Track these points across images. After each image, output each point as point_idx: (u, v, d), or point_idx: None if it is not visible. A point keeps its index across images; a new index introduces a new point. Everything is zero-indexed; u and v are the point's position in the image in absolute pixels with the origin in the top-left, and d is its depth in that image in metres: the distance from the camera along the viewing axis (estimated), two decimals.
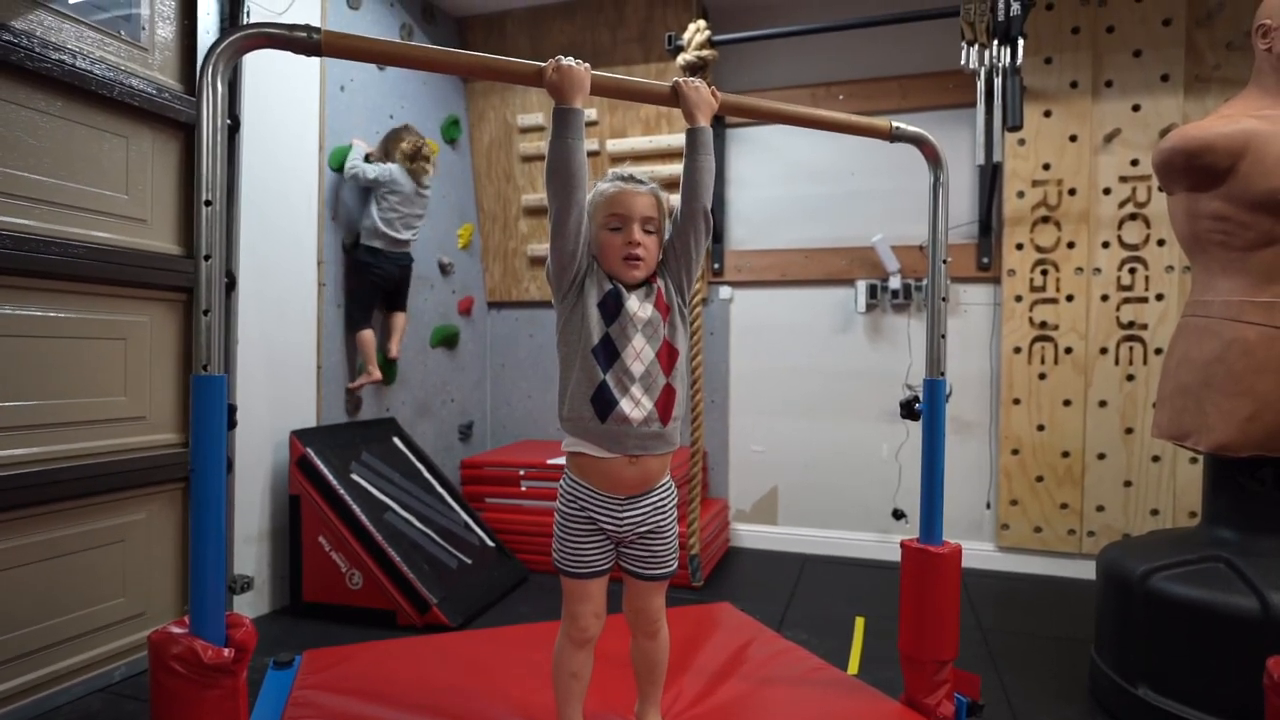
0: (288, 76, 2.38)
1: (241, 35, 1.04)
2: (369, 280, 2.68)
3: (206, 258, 1.03)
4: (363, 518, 2.30)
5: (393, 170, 2.64)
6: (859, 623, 2.31)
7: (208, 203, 1.03)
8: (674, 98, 1.32)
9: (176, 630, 1.03)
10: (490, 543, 2.74)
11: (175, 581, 2.07)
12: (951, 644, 1.47)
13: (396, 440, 2.80)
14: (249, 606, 2.27)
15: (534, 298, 3.50)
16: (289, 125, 2.40)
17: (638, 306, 1.25)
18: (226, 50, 1.03)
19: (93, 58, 1.80)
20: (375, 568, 2.26)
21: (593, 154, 3.24)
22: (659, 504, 1.31)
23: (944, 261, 1.52)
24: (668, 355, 1.27)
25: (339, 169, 2.63)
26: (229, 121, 2.08)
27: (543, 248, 3.39)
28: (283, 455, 2.39)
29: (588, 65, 1.24)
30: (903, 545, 1.54)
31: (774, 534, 3.17)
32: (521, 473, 2.90)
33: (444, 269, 3.23)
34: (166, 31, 2.02)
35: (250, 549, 2.30)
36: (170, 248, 2.04)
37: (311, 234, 2.52)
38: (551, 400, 3.49)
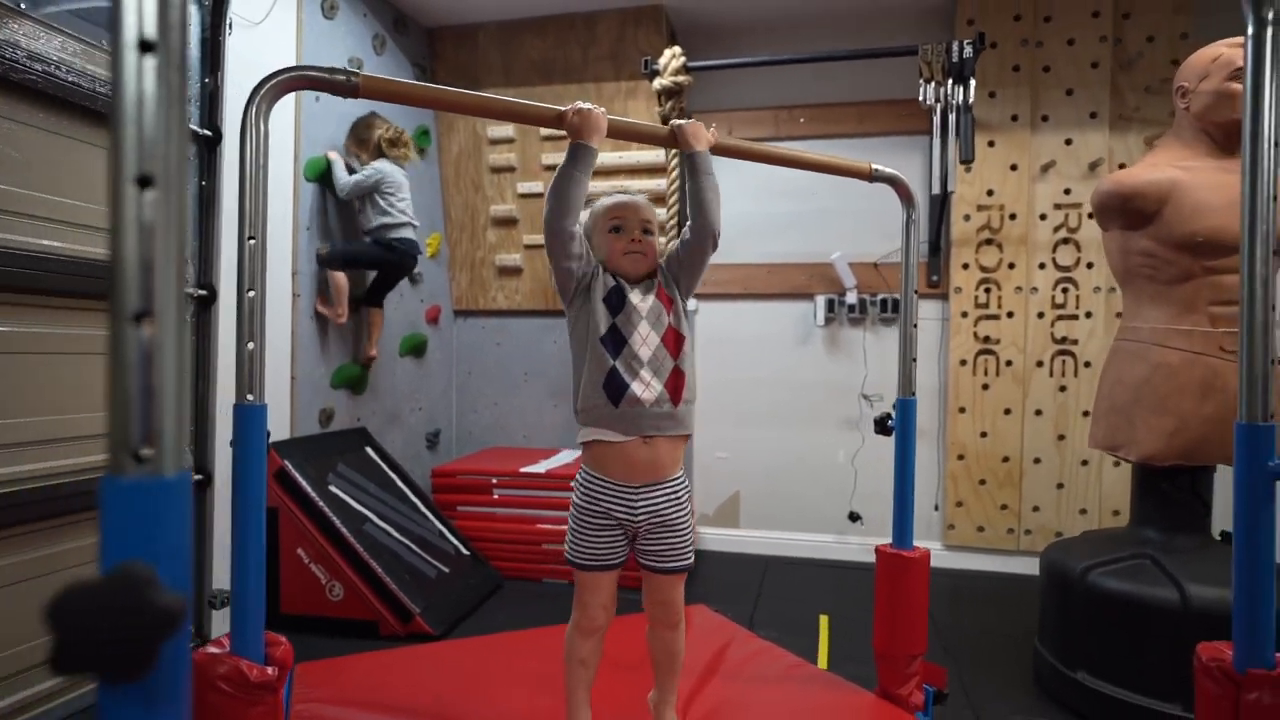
0: None
1: (284, 78, 1.08)
2: (389, 266, 2.75)
3: (250, 290, 1.07)
4: (343, 530, 2.31)
5: (382, 167, 2.66)
6: (823, 621, 2.46)
7: (250, 238, 1.07)
8: (672, 138, 1.42)
9: (219, 650, 1.07)
10: (465, 551, 2.78)
11: None
12: (921, 639, 1.62)
13: (369, 450, 2.81)
14: (226, 621, 2.25)
15: (500, 307, 3.54)
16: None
17: (640, 299, 1.34)
18: (269, 92, 1.07)
19: (75, 68, 1.77)
20: (357, 579, 2.28)
21: None
22: (673, 494, 1.36)
23: (915, 292, 1.66)
24: (674, 340, 1.35)
25: (315, 180, 2.62)
26: (208, 133, 2.09)
27: (510, 258, 3.44)
28: None
29: (604, 110, 1.33)
30: (877, 550, 1.68)
31: (737, 537, 3.31)
32: (494, 481, 2.95)
33: (413, 278, 3.24)
34: None
35: (225, 563, 2.28)
36: None
37: (287, 245, 2.51)
38: (518, 406, 3.56)
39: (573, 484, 1.39)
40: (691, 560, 1.40)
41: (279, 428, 2.49)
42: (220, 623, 2.21)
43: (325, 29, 2.68)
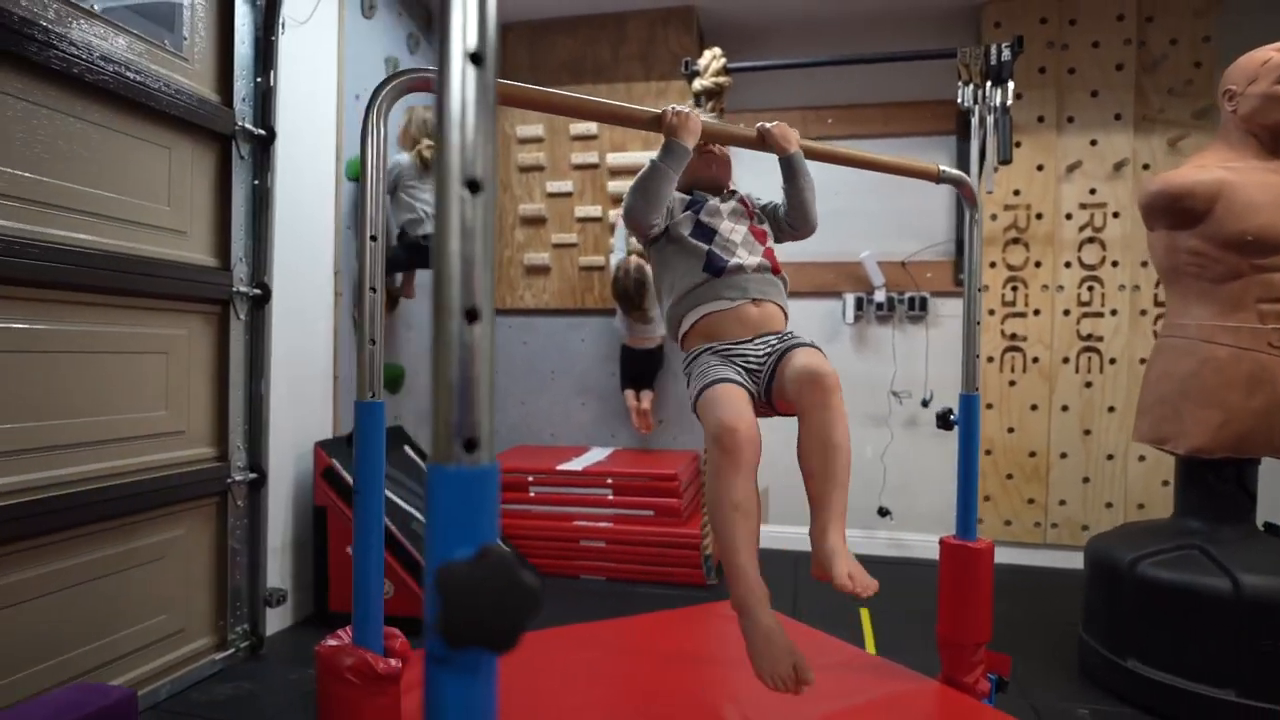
0: (309, 86, 2.37)
1: (406, 79, 1.10)
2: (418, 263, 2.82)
3: (373, 289, 1.08)
4: (393, 528, 2.32)
5: (400, 160, 2.67)
6: (864, 614, 2.50)
7: (373, 238, 1.09)
8: (761, 140, 1.45)
9: (342, 643, 1.09)
10: (505, 548, 2.80)
11: (211, 596, 2.05)
12: (987, 628, 1.66)
13: (407, 449, 2.82)
14: (276, 618, 2.27)
15: (528, 305, 3.55)
16: (309, 135, 2.40)
17: (719, 204, 1.39)
18: (390, 93, 1.09)
19: (141, 68, 1.77)
20: (408, 577, 2.30)
21: (592, 167, 3.33)
22: (785, 333, 1.34)
23: (979, 289, 1.69)
24: (760, 234, 1.40)
25: (355, 179, 2.63)
26: (262, 133, 2.10)
27: (538, 257, 3.45)
28: (305, 466, 2.39)
29: (699, 112, 1.36)
30: (942, 542, 1.71)
31: (767, 532, 3.34)
32: (530, 479, 2.97)
33: None
34: (204, 42, 2.00)
35: (274, 561, 2.29)
36: (208, 260, 2.02)
37: (329, 244, 2.52)
38: (544, 405, 3.58)
39: (684, 369, 1.36)
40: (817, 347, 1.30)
41: (322, 427, 2.50)
42: (272, 621, 2.22)
43: (364, 28, 2.69)
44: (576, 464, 2.98)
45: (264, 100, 2.12)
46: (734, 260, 1.33)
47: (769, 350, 1.30)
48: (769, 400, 1.29)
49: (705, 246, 1.34)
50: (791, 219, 1.46)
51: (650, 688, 1.64)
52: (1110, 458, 3.00)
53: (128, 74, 1.72)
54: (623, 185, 3.29)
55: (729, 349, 1.31)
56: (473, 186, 0.44)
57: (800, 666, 1.08)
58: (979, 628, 1.65)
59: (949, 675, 1.68)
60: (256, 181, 2.13)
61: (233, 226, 2.06)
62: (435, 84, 0.46)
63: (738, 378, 1.26)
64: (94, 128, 1.70)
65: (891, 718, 1.56)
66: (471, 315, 0.44)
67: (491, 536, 0.46)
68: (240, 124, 2.05)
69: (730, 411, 1.14)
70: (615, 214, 3.30)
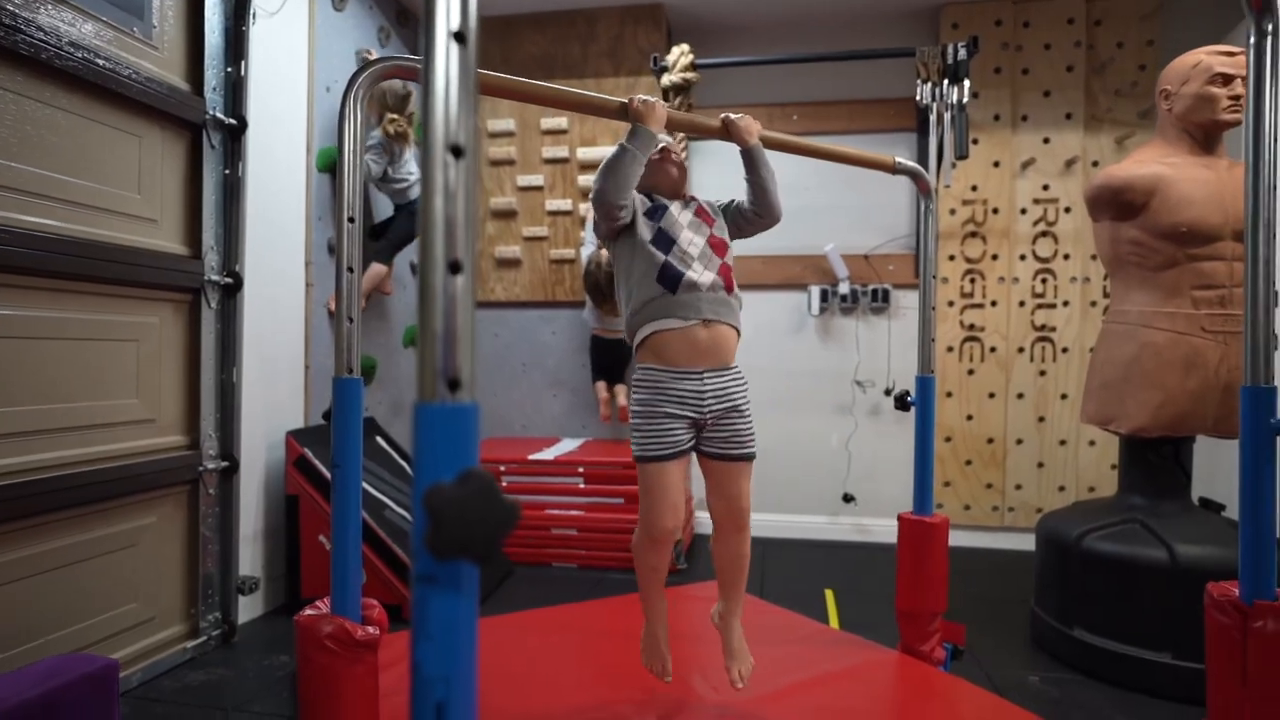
0: (280, 77, 2.38)
1: (381, 66, 1.14)
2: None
3: (350, 270, 1.12)
4: (365, 515, 2.34)
5: (376, 134, 2.68)
6: (829, 594, 2.59)
7: (351, 220, 1.12)
8: (724, 130, 1.51)
9: (321, 612, 1.12)
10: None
11: (183, 584, 2.05)
12: (942, 598, 1.74)
13: (379, 439, 2.83)
14: (248, 607, 2.27)
15: (499, 298, 3.58)
16: (280, 126, 2.40)
17: (679, 211, 1.41)
18: (367, 80, 1.13)
19: (110, 55, 1.77)
20: (381, 564, 2.32)
21: (562, 161, 3.37)
22: (738, 378, 1.40)
23: (934, 277, 1.78)
24: (719, 245, 1.41)
25: (326, 170, 2.63)
26: (233, 122, 2.10)
27: (509, 250, 3.48)
28: (277, 455, 2.39)
29: (666, 104, 1.41)
30: (900, 518, 1.80)
31: None
32: (503, 468, 3.00)
33: (415, 269, 3.26)
34: (173, 30, 2.00)
35: (246, 550, 2.29)
36: (178, 248, 2.02)
37: (300, 234, 2.52)
38: (516, 397, 3.61)
39: (632, 383, 1.41)
40: (754, 450, 1.40)
41: (294, 416, 2.51)
42: (244, 609, 2.23)
43: (335, 21, 2.69)
44: (548, 454, 3.02)
45: (235, 90, 2.12)
46: (689, 274, 1.35)
47: (716, 406, 1.36)
48: (698, 446, 1.40)
49: (663, 256, 1.36)
50: (756, 208, 1.51)
51: (623, 666, 1.69)
52: (1063, 443, 3.13)
53: (96, 60, 1.72)
54: (593, 179, 3.33)
55: (677, 385, 1.35)
56: (455, 151, 0.49)
57: (666, 668, 1.50)
58: (935, 598, 1.74)
59: (907, 644, 1.77)
60: (227, 171, 2.13)
61: (204, 215, 2.06)
62: (420, 64, 0.50)
63: (678, 445, 1.35)
64: (62, 114, 1.69)
65: (852, 685, 1.64)
66: (454, 267, 0.49)
67: (473, 465, 0.51)
68: (211, 113, 2.05)
69: (663, 507, 1.36)
70: (586, 207, 3.34)
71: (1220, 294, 1.89)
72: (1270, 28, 1.16)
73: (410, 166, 2.77)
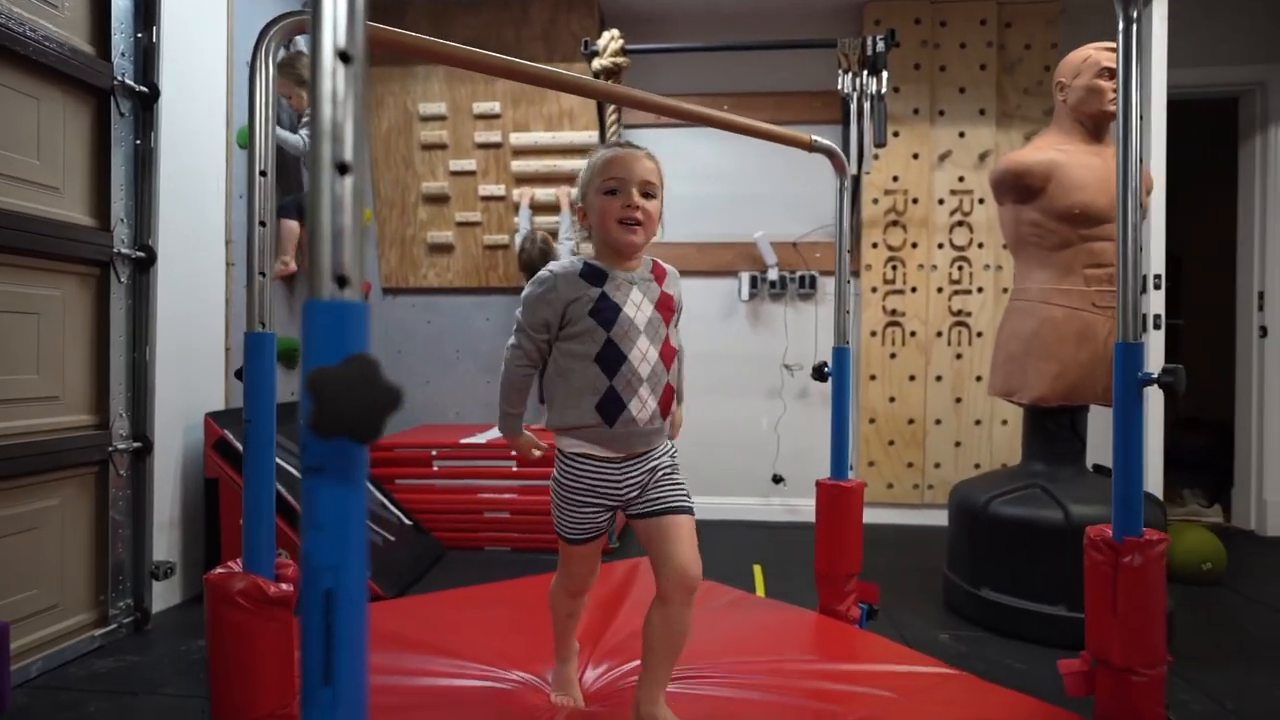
0: (198, 48, 2.30)
1: (292, 20, 1.13)
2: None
3: (262, 224, 1.11)
4: (289, 498, 2.29)
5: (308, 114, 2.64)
6: (757, 569, 2.66)
7: (263, 173, 1.11)
8: None
9: (233, 570, 1.10)
10: (408, 521, 2.80)
11: (90, 570, 1.97)
12: (857, 560, 1.82)
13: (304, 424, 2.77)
14: (164, 594, 2.19)
15: (431, 284, 3.54)
16: (198, 98, 2.32)
17: (636, 308, 1.23)
18: (278, 34, 1.12)
19: (3, 9, 1.68)
20: (296, 538, 2.26)
21: (495, 146, 3.36)
22: (662, 452, 1.29)
23: (848, 251, 1.85)
24: (670, 355, 1.27)
25: (247, 147, 2.56)
26: (144, 90, 2.04)
27: (442, 235, 3.45)
28: (195, 438, 2.32)
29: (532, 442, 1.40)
30: (818, 484, 1.87)
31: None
32: (434, 453, 2.97)
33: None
34: None
35: (162, 535, 2.21)
36: (83, 219, 1.94)
37: (220, 212, 2.44)
38: (450, 385, 3.58)
39: (554, 470, 1.30)
40: (692, 507, 1.27)
41: (214, 399, 2.43)
42: (160, 597, 2.15)
43: None
44: (480, 438, 3.01)
45: (146, 56, 2.05)
46: (629, 409, 1.20)
47: (641, 479, 1.25)
48: (628, 512, 1.28)
49: (608, 382, 1.19)
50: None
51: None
52: (978, 423, 3.30)
53: (12, 27, 1.64)
54: (526, 165, 3.34)
55: (597, 477, 1.24)
56: (344, 58, 0.51)
57: (576, 699, 1.42)
58: (851, 560, 1.82)
59: (825, 605, 1.84)
60: (139, 141, 2.05)
61: (112, 186, 1.98)
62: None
63: (597, 529, 1.29)
64: None
65: (775, 641, 1.70)
66: (343, 169, 0.50)
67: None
68: (119, 79, 1.97)
69: (582, 572, 1.36)
70: (518, 193, 3.34)
71: (1109, 271, 2.03)
72: (1135, 15, 1.27)
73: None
